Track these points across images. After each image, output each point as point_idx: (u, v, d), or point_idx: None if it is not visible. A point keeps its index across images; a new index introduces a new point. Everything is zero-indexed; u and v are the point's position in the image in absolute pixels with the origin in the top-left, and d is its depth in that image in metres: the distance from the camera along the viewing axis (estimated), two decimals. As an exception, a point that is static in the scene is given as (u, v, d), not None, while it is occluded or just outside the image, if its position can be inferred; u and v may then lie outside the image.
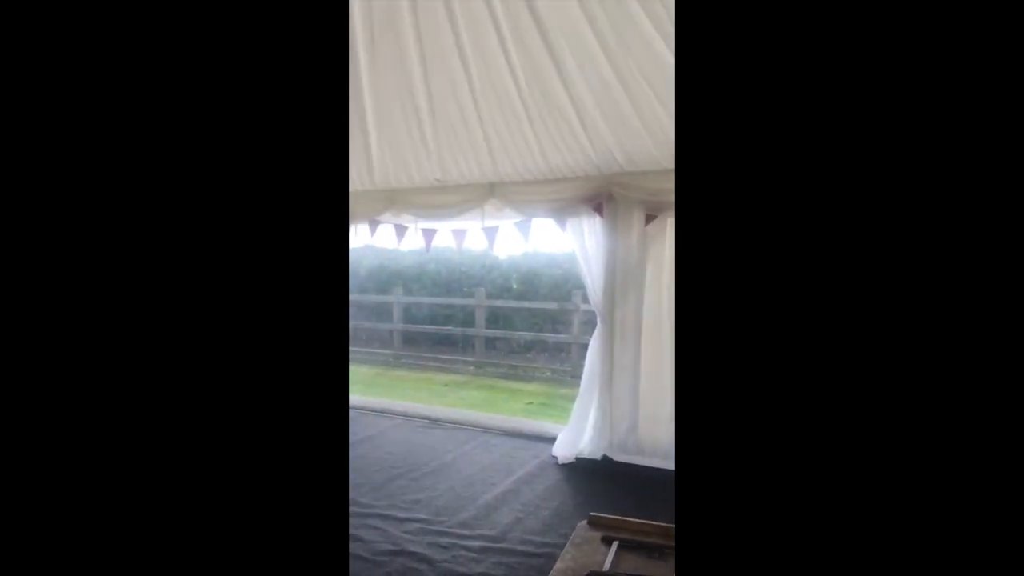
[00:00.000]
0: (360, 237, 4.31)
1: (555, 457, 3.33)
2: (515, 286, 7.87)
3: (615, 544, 1.69)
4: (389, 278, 8.28)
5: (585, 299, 5.84)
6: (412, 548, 2.29)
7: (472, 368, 7.00)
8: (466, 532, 2.44)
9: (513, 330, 7.20)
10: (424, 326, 7.81)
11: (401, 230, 3.99)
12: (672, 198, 2.83)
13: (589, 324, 5.98)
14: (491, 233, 3.72)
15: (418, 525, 2.49)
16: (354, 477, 3.01)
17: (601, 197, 3.21)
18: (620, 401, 3.25)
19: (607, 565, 1.59)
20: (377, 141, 3.67)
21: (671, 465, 2.87)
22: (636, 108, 2.87)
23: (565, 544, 1.80)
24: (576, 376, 4.60)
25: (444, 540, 2.36)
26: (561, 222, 3.37)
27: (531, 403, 5.50)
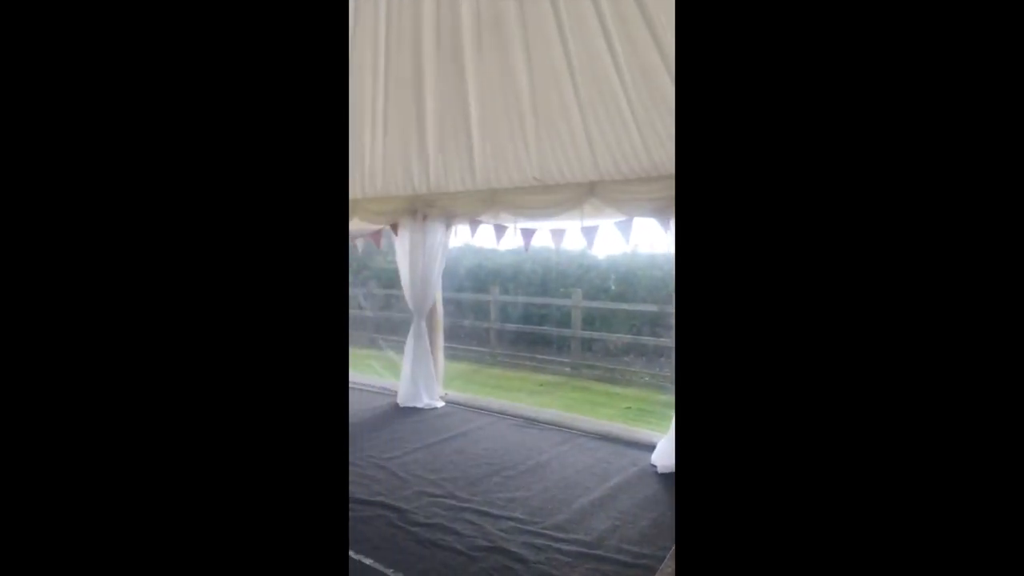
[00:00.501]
0: (460, 237, 4.43)
1: (654, 466, 3.20)
2: (613, 287, 7.71)
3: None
4: (487, 277, 8.43)
5: (687, 302, 5.60)
6: (507, 546, 2.30)
7: (568, 369, 6.95)
8: (561, 535, 2.40)
9: (610, 332, 7.05)
10: (520, 325, 7.87)
11: (500, 230, 4.03)
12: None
13: (691, 328, 5.72)
14: (590, 233, 3.65)
15: (513, 524, 2.49)
16: (451, 471, 3.08)
17: (709, 195, 3.03)
18: (726, 411, 3.06)
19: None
20: (480, 142, 3.74)
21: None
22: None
23: (664, 557, 1.72)
24: (676, 382, 4.41)
25: (539, 541, 2.35)
26: (664, 222, 3.23)
27: (629, 408, 5.35)
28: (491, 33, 3.24)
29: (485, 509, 2.63)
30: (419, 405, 4.29)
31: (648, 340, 6.71)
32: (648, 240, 8.77)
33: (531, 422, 4.03)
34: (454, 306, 7.74)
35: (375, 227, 4.55)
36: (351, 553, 2.22)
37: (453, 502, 2.69)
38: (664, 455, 3.20)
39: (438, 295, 4.53)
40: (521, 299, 8.05)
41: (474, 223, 4.13)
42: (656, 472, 3.14)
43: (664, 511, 2.67)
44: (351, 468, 3.09)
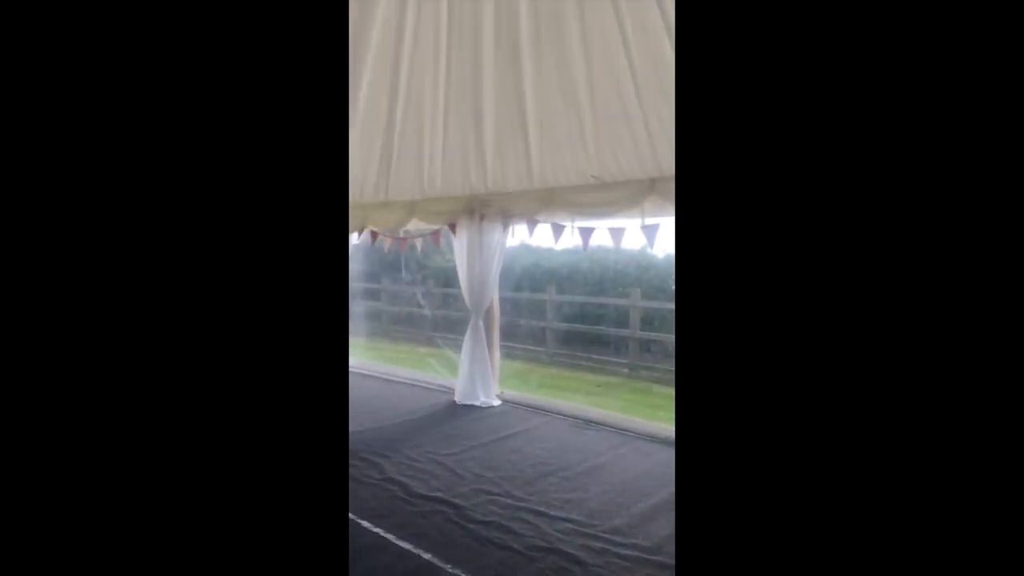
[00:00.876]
0: (517, 236, 4.43)
1: (716, 472, 3.09)
2: (673, 287, 7.51)
3: None
4: (543, 276, 8.41)
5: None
6: (564, 548, 2.27)
7: (625, 370, 6.83)
8: (620, 539, 2.36)
9: (670, 333, 6.86)
10: (577, 325, 7.81)
11: (558, 229, 4.00)
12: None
13: (756, 330, 5.49)
14: (651, 231, 3.57)
15: (570, 525, 2.46)
16: (507, 469, 3.09)
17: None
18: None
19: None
20: (537, 141, 3.73)
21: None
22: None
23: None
24: (741, 386, 4.24)
25: (596, 544, 2.31)
26: (729, 218, 3.11)
27: (688, 411, 5.19)
28: (549, 27, 3.22)
29: (542, 509, 2.61)
30: (476, 403, 4.33)
31: (710, 342, 6.49)
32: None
33: (588, 423, 3.98)
34: (511, 305, 7.76)
35: (434, 227, 4.62)
36: (408, 546, 2.26)
37: (510, 501, 2.70)
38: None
39: (495, 294, 4.56)
40: (578, 299, 7.98)
41: (531, 222, 4.13)
42: (719, 479, 3.03)
43: (728, 520, 2.57)
44: (410, 463, 3.15)
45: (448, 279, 8.22)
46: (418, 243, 5.07)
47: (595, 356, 7.36)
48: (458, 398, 4.42)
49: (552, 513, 2.57)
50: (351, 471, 3.03)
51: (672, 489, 2.87)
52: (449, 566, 2.13)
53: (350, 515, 2.53)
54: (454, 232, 4.40)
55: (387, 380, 5.30)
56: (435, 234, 4.68)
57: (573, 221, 3.91)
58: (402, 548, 2.26)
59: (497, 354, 4.67)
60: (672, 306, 6.86)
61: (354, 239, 5.50)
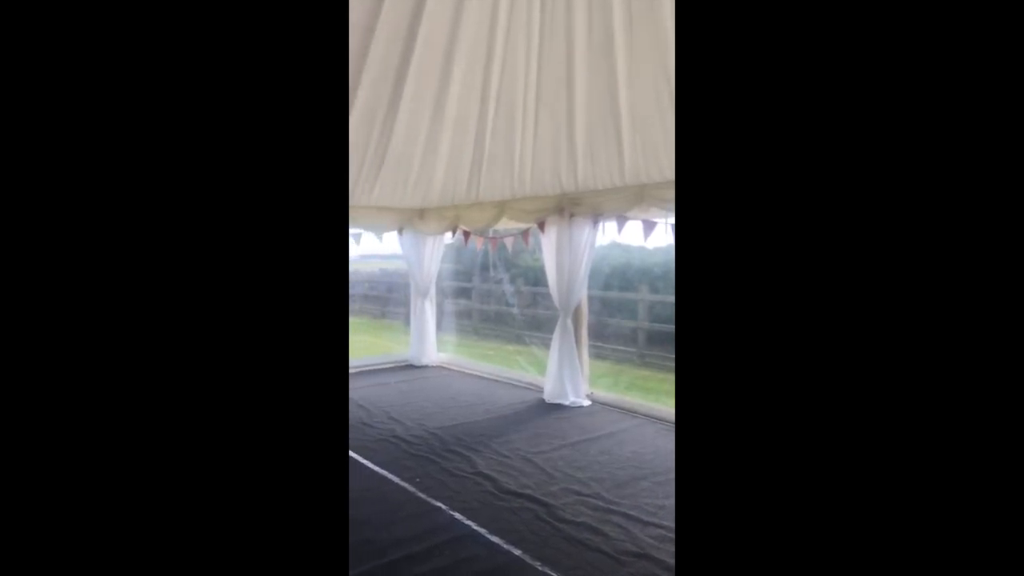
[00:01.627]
0: (608, 234, 4.35)
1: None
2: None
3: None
4: (634, 275, 8.22)
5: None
6: (656, 554, 2.20)
7: (721, 374, 6.51)
8: (716, 551, 2.24)
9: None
10: (670, 325, 7.55)
11: (649, 226, 3.89)
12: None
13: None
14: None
15: (662, 532, 2.38)
16: (596, 470, 3.04)
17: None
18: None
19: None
20: (630, 138, 3.64)
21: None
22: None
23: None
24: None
25: (691, 554, 2.21)
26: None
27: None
28: (642, 13, 3.13)
29: (633, 514, 2.55)
30: (565, 402, 4.31)
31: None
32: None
33: (681, 427, 3.83)
34: (600, 304, 7.65)
35: (523, 226, 4.65)
36: (498, 540, 2.29)
37: (599, 503, 2.65)
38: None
39: (584, 293, 4.51)
40: (671, 298, 7.72)
41: (621, 219, 4.04)
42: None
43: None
44: (500, 459, 3.19)
45: (537, 278, 8.25)
46: (508, 242, 5.13)
47: (688, 358, 7.07)
48: (547, 396, 4.42)
49: (644, 519, 2.50)
50: (442, 463, 3.12)
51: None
52: (539, 563, 2.13)
53: (440, 504, 2.60)
54: (543, 231, 4.41)
55: (477, 376, 5.41)
56: (524, 233, 4.71)
57: (667, 218, 3.78)
58: (492, 542, 2.29)
59: (585, 353, 4.62)
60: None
61: (447, 238, 5.68)
